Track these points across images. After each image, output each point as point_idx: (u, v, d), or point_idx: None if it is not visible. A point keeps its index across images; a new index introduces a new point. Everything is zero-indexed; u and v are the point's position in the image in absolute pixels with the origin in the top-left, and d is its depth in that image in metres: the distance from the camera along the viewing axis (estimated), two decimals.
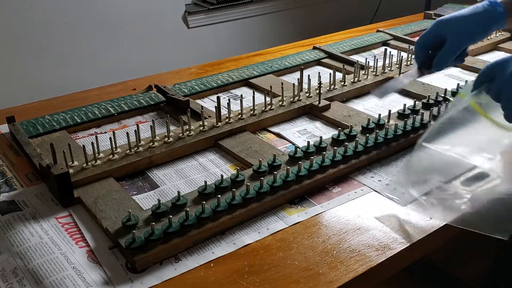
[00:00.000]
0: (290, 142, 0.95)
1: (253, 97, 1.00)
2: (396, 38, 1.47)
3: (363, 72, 1.18)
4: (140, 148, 0.86)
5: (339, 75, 1.16)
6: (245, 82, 1.20)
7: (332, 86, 1.10)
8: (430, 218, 0.75)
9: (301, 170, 0.79)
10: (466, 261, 1.63)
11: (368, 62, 1.21)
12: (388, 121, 0.95)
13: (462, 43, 0.87)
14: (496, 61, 0.76)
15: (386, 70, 1.19)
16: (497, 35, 1.45)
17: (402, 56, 1.21)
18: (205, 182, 0.75)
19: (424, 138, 0.78)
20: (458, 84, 1.11)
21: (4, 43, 2.04)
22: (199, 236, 0.69)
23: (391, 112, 0.96)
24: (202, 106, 1.00)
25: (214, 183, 0.76)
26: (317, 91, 1.04)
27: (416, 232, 0.72)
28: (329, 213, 0.76)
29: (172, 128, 0.92)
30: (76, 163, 0.82)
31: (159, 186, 0.82)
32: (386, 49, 1.24)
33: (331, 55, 1.34)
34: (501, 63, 0.74)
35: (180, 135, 0.90)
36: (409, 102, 1.04)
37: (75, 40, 2.22)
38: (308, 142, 0.86)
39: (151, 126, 0.87)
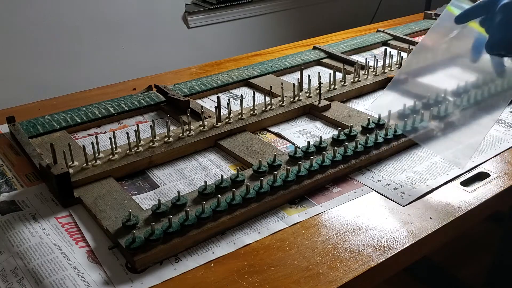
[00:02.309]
0: (290, 142, 0.95)
1: (253, 97, 1.00)
2: (396, 38, 1.47)
3: (363, 72, 1.18)
4: (140, 148, 0.86)
5: (339, 75, 1.16)
6: (245, 82, 1.20)
7: (332, 86, 1.10)
8: (430, 218, 0.75)
9: (301, 170, 0.79)
10: (466, 261, 1.63)
11: (368, 62, 1.21)
12: (388, 121, 0.95)
13: None
14: None
15: (386, 70, 1.19)
16: None
17: (402, 56, 1.21)
18: (205, 182, 0.75)
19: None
20: (458, 84, 1.10)
21: (4, 43, 2.04)
22: (199, 236, 0.69)
23: (391, 112, 0.96)
24: (202, 106, 1.00)
25: (214, 183, 0.76)
26: (317, 91, 1.04)
27: (416, 232, 0.72)
28: (329, 213, 0.76)
29: (172, 128, 0.92)
30: (76, 163, 0.82)
31: (159, 186, 0.82)
32: (386, 49, 1.24)
33: (331, 55, 1.34)
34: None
35: (180, 135, 0.90)
36: (409, 102, 1.04)
37: (75, 40, 2.22)
38: (308, 142, 0.86)
39: (151, 126, 0.87)
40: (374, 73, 1.17)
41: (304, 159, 0.84)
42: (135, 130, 0.87)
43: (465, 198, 0.79)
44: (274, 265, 0.66)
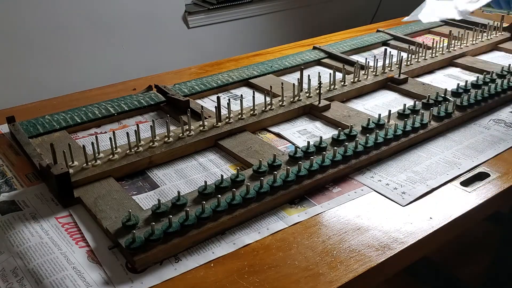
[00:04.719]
0: (290, 142, 0.95)
1: (253, 97, 1.00)
2: (396, 38, 1.47)
3: (363, 72, 1.18)
4: (140, 148, 0.86)
5: (339, 75, 1.16)
6: (245, 82, 1.20)
7: (332, 86, 1.10)
8: (430, 218, 0.75)
9: (301, 170, 0.79)
10: (466, 261, 1.63)
11: (368, 62, 1.21)
12: (388, 121, 0.95)
13: None
14: None
15: (386, 70, 1.19)
16: (497, 35, 1.45)
17: (402, 56, 1.20)
18: (205, 182, 0.75)
19: None
20: (458, 84, 1.11)
21: (4, 43, 2.04)
22: (199, 236, 0.69)
23: (391, 112, 0.96)
24: (202, 106, 1.00)
25: (214, 183, 0.76)
26: (317, 91, 1.04)
27: (416, 232, 0.72)
28: (329, 213, 0.76)
29: (172, 128, 0.92)
30: (76, 163, 0.82)
31: (159, 186, 0.82)
32: (386, 49, 1.24)
33: (331, 55, 1.34)
34: None
35: (180, 135, 0.90)
36: (409, 102, 1.04)
37: (75, 40, 2.21)
38: (308, 142, 0.86)
39: (151, 126, 0.87)
40: (374, 73, 1.17)
41: (304, 159, 0.84)
42: (135, 130, 0.87)
43: (465, 198, 0.80)
44: (274, 265, 0.66)
